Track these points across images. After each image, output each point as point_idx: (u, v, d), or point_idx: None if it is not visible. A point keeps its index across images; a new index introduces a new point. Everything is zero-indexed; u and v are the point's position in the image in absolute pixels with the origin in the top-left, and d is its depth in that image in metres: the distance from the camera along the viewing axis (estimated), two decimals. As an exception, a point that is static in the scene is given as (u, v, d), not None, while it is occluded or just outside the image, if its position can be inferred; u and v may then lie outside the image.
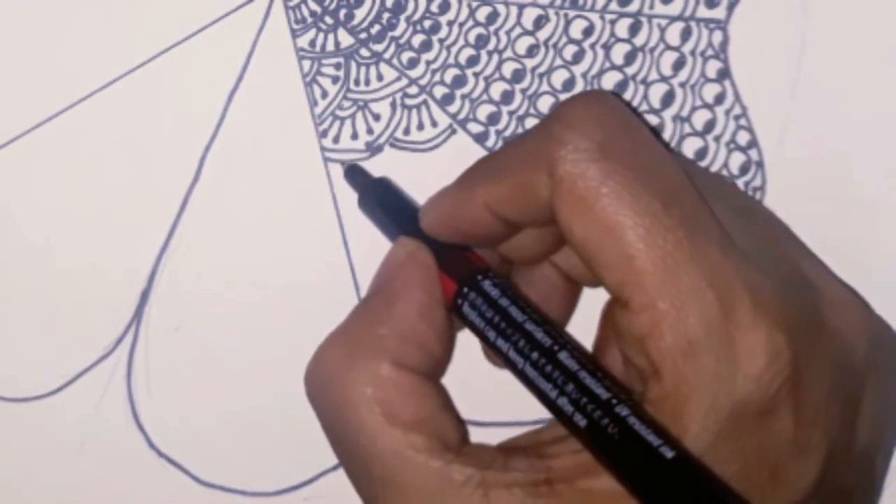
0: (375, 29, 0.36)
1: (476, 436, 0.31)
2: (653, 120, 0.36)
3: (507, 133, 0.37)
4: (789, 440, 0.27)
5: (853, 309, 0.30)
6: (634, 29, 0.36)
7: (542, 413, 0.29)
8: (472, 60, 0.36)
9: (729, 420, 0.26)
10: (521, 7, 0.36)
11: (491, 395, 0.33)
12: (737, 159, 0.36)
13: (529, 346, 0.28)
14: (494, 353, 0.30)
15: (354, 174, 0.36)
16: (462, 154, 0.37)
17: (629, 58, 0.36)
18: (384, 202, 0.34)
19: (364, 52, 0.36)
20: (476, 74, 0.36)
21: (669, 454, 0.25)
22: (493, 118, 0.37)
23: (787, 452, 0.27)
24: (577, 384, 0.27)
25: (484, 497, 0.28)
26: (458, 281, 0.30)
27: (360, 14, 0.36)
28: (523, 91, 0.36)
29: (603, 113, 0.29)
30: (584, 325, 0.32)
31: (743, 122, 0.36)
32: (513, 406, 0.32)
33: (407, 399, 0.29)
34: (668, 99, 0.36)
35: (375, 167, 0.36)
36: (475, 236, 0.31)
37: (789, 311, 0.27)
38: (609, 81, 0.36)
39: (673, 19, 0.36)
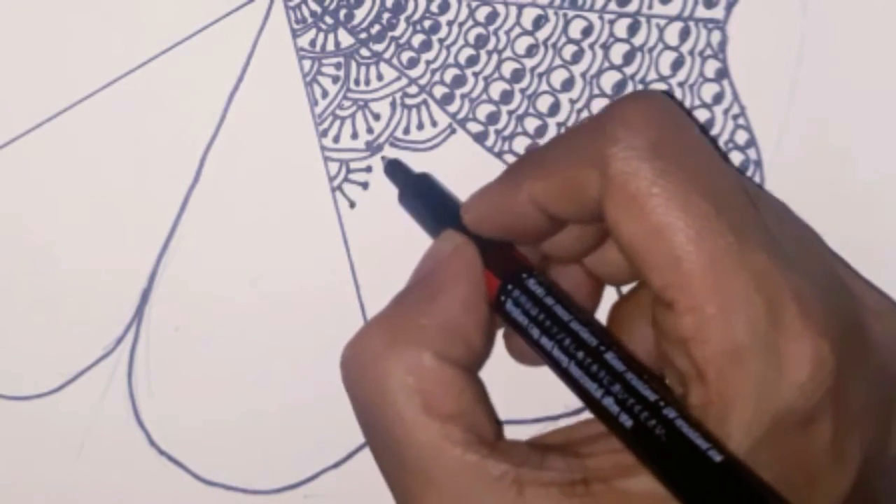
0: (375, 29, 0.36)
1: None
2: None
3: (507, 132, 0.37)
4: (827, 448, 0.27)
5: (892, 318, 0.30)
6: (633, 29, 0.36)
7: (547, 411, 0.29)
8: (472, 60, 0.36)
9: (771, 427, 0.26)
10: (521, 7, 0.36)
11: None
12: (735, 159, 0.36)
13: (575, 345, 0.28)
14: (537, 352, 0.30)
15: (395, 169, 0.35)
16: (462, 153, 0.37)
17: (628, 58, 0.36)
18: (425, 198, 0.34)
19: (364, 51, 0.36)
20: (475, 74, 0.36)
21: (718, 458, 0.25)
22: (493, 118, 0.37)
23: (824, 460, 0.27)
24: (623, 385, 0.27)
25: (519, 494, 0.27)
26: (502, 277, 0.30)
27: (360, 14, 0.36)
28: (522, 91, 0.36)
29: (656, 112, 0.29)
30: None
31: (741, 121, 0.36)
32: (513, 404, 0.32)
33: (446, 391, 0.29)
34: (666, 98, 0.36)
35: (375, 167, 0.36)
36: (519, 232, 0.31)
37: (834, 320, 0.27)
38: (608, 81, 0.36)
39: (671, 19, 0.36)
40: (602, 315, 0.33)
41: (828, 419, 0.27)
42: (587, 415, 0.30)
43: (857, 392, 0.27)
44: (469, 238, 0.31)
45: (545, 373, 0.32)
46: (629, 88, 0.36)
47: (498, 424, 0.30)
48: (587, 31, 0.36)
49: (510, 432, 0.30)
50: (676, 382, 0.28)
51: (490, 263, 0.31)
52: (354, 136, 0.37)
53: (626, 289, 0.34)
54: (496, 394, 0.31)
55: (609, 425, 0.28)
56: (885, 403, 0.29)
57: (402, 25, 0.36)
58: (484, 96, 0.37)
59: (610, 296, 0.34)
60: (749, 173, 0.36)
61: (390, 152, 0.37)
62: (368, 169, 0.37)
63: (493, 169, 0.36)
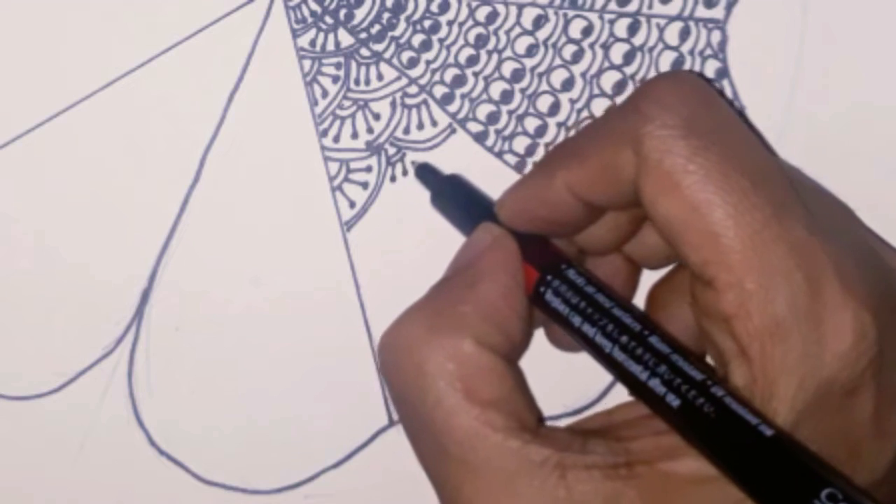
0: (375, 29, 0.36)
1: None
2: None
3: (507, 132, 0.37)
4: (869, 420, 0.27)
5: None
6: (633, 29, 0.36)
7: (547, 411, 0.29)
8: (472, 60, 0.36)
9: (815, 400, 0.26)
10: (521, 7, 0.36)
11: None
12: (735, 158, 0.36)
13: (618, 330, 0.28)
14: (577, 339, 0.30)
15: (426, 172, 0.36)
16: (462, 153, 0.37)
17: (628, 57, 0.36)
18: (458, 198, 0.34)
19: (364, 51, 0.36)
20: (476, 74, 0.36)
21: (769, 432, 0.25)
22: (493, 117, 0.37)
23: (866, 433, 0.27)
24: (669, 366, 0.27)
25: (561, 478, 0.27)
26: (541, 269, 0.30)
27: (360, 14, 0.36)
28: (522, 90, 0.36)
29: (689, 90, 0.29)
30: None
31: (741, 121, 0.36)
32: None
33: (487, 377, 0.28)
34: (667, 98, 0.36)
35: (375, 167, 0.36)
36: (556, 223, 0.31)
37: (873, 292, 0.27)
38: (608, 81, 0.36)
39: (671, 19, 0.36)
40: (639, 300, 0.33)
41: (870, 391, 0.27)
42: (589, 413, 0.30)
43: None
44: (506, 231, 0.31)
45: (545, 374, 0.32)
46: (629, 88, 0.36)
47: (537, 412, 0.30)
48: (587, 31, 0.36)
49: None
50: (717, 362, 0.28)
51: (528, 256, 0.31)
52: (354, 135, 0.37)
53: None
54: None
55: (654, 407, 0.28)
56: None
57: (402, 25, 0.36)
58: (484, 96, 0.37)
59: (646, 280, 0.34)
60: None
61: (390, 152, 0.37)
62: (368, 169, 0.37)
63: (493, 169, 0.36)
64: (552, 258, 0.31)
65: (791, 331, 0.26)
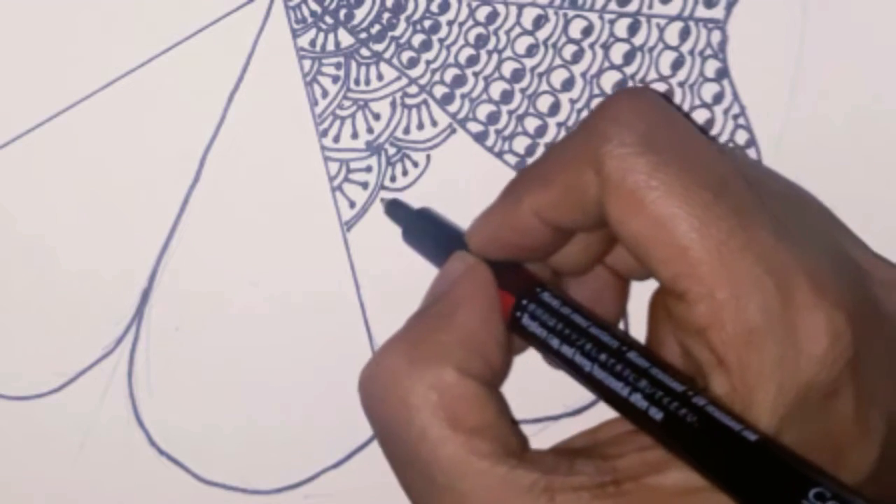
0: (375, 29, 0.36)
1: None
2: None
3: (507, 132, 0.37)
4: (851, 420, 0.27)
5: None
6: (633, 29, 0.36)
7: (547, 411, 0.29)
8: (472, 60, 0.36)
9: (795, 404, 0.26)
10: (521, 7, 0.36)
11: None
12: (735, 158, 0.36)
13: (597, 348, 0.28)
14: (557, 362, 0.30)
15: (396, 209, 0.36)
16: (462, 153, 0.37)
17: (628, 57, 0.36)
18: (429, 231, 0.34)
19: (364, 51, 0.36)
20: (476, 74, 0.36)
21: (753, 437, 0.25)
22: (493, 117, 0.37)
23: (849, 434, 0.27)
24: (650, 380, 0.27)
25: (550, 501, 0.27)
26: (517, 294, 0.30)
27: (360, 14, 0.36)
28: (523, 90, 0.36)
29: (644, 106, 0.29)
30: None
31: (741, 121, 0.36)
32: (513, 405, 0.32)
33: (470, 405, 0.29)
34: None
35: (375, 167, 0.36)
36: (525, 249, 0.31)
37: (846, 292, 0.27)
38: (608, 81, 0.36)
39: (672, 19, 0.36)
40: (639, 308, 0.33)
41: (849, 391, 0.27)
42: (590, 413, 0.30)
43: (875, 363, 0.27)
44: (479, 259, 0.31)
45: (545, 374, 0.32)
46: (629, 88, 0.36)
47: (522, 437, 0.30)
48: (587, 31, 0.36)
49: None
50: (697, 374, 0.28)
51: (502, 282, 0.31)
52: (354, 135, 0.37)
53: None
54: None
55: (637, 422, 0.28)
56: None
57: (402, 25, 0.36)
58: (484, 96, 0.37)
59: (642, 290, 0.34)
60: (749, 173, 0.36)
61: (390, 152, 0.37)
62: (368, 169, 0.37)
63: (493, 169, 0.36)
64: (526, 283, 0.31)
65: (765, 337, 0.26)
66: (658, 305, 0.31)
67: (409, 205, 0.36)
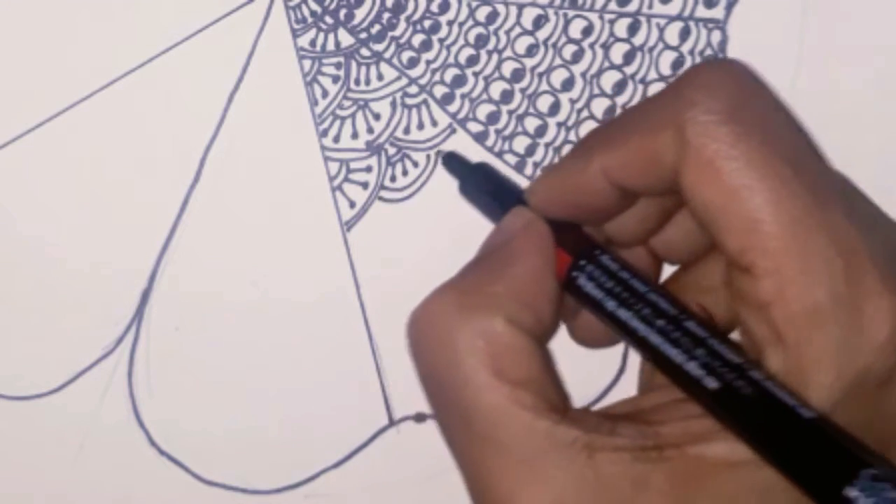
0: (375, 29, 0.36)
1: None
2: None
3: (507, 132, 0.37)
4: None
5: None
6: (633, 28, 0.36)
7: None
8: (472, 60, 0.36)
9: (850, 389, 0.26)
10: (521, 7, 0.36)
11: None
12: (735, 158, 0.36)
13: (654, 314, 0.28)
14: (610, 324, 0.30)
15: (453, 161, 0.35)
16: (462, 153, 0.37)
17: (628, 57, 0.36)
18: (487, 186, 0.34)
19: (364, 51, 0.36)
20: (476, 74, 0.36)
21: (808, 415, 0.25)
22: (493, 117, 0.37)
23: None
24: (706, 349, 0.27)
25: (589, 459, 0.27)
26: (574, 254, 0.30)
27: (360, 14, 0.36)
28: (523, 90, 0.36)
29: (732, 77, 0.29)
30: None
31: (741, 121, 0.36)
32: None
33: (517, 357, 0.28)
34: (667, 98, 0.36)
35: (375, 167, 0.36)
36: (588, 209, 0.31)
37: None
38: (608, 81, 0.36)
39: (672, 19, 0.36)
40: None
41: None
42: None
43: None
44: (538, 216, 0.31)
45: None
46: (629, 88, 0.36)
47: (565, 394, 0.29)
48: (587, 31, 0.36)
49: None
50: (751, 351, 0.28)
51: (560, 241, 0.31)
52: (355, 135, 0.37)
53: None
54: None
55: (689, 390, 0.28)
56: None
57: (402, 25, 0.36)
58: (484, 96, 0.37)
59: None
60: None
61: (390, 152, 0.37)
62: (368, 169, 0.37)
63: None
64: (584, 244, 0.31)
65: (829, 318, 0.26)
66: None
67: (466, 157, 0.36)
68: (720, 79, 0.28)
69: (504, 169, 0.37)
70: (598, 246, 0.31)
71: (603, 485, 0.27)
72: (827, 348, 0.26)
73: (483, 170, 0.35)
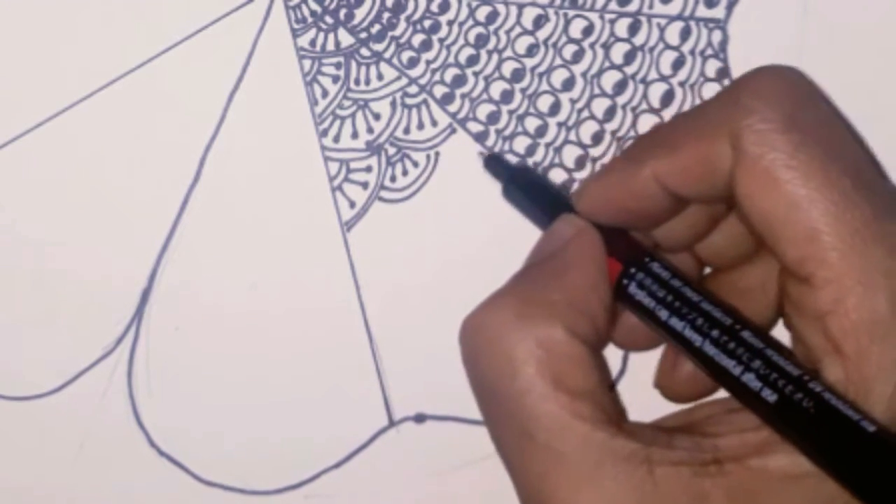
0: (375, 28, 0.36)
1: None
2: (652, 119, 0.36)
3: (507, 132, 0.37)
4: None
5: None
6: (634, 28, 0.36)
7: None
8: (472, 60, 0.36)
9: None
10: (521, 7, 0.36)
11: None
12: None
13: (709, 324, 0.28)
14: (661, 333, 0.29)
15: (495, 164, 0.35)
16: (462, 153, 0.37)
17: (629, 57, 0.36)
18: (531, 189, 0.34)
19: (364, 51, 0.36)
20: (476, 74, 0.36)
21: (871, 428, 0.25)
22: (493, 117, 0.37)
23: None
24: (764, 360, 0.27)
25: (649, 474, 0.27)
26: (624, 261, 0.30)
27: (360, 14, 0.36)
28: (523, 90, 0.36)
29: (790, 85, 0.29)
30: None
31: (742, 121, 0.36)
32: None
33: (576, 367, 0.28)
34: (667, 98, 0.36)
35: (375, 167, 0.36)
36: (637, 215, 0.31)
37: None
38: (609, 81, 0.36)
39: (672, 19, 0.36)
40: None
41: None
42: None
43: None
44: (589, 223, 0.31)
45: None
46: (630, 88, 0.36)
47: (621, 406, 0.30)
48: (588, 31, 0.36)
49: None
50: (806, 362, 0.28)
51: (609, 248, 0.31)
52: (355, 135, 0.37)
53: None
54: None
55: (747, 402, 0.27)
56: None
57: (402, 25, 0.36)
58: (484, 96, 0.37)
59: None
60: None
61: (390, 152, 0.37)
62: (368, 169, 0.37)
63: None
64: (634, 251, 0.31)
65: (890, 329, 0.26)
66: (754, 284, 0.31)
67: (508, 160, 0.36)
68: (777, 86, 0.28)
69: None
70: (649, 252, 0.30)
71: (662, 499, 0.27)
72: (888, 360, 0.26)
73: (526, 173, 0.35)
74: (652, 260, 0.30)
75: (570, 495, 0.27)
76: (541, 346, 0.28)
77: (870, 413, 0.26)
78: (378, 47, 0.36)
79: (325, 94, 0.37)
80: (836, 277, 0.27)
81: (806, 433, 0.26)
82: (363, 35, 0.36)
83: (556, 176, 0.36)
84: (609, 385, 0.29)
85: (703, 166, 0.29)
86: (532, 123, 0.37)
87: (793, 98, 0.28)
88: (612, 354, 0.36)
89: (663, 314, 0.29)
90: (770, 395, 0.27)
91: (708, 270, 0.34)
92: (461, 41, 0.36)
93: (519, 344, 0.28)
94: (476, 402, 0.30)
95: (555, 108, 0.36)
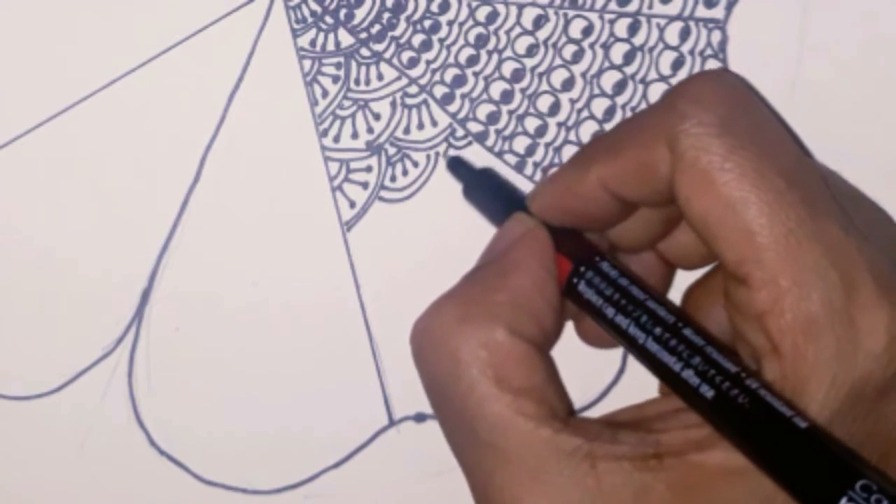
0: (376, 29, 0.36)
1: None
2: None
3: (507, 132, 0.37)
4: None
5: None
6: (633, 28, 0.36)
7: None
8: (472, 60, 0.36)
9: (847, 400, 0.26)
10: (521, 7, 0.36)
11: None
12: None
13: (652, 321, 0.29)
14: (609, 330, 0.30)
15: (457, 165, 0.36)
16: (462, 153, 0.37)
17: (628, 57, 0.36)
18: (490, 191, 0.34)
19: (364, 51, 0.36)
20: (476, 74, 0.36)
21: (803, 424, 0.25)
22: (493, 117, 0.37)
23: None
24: (703, 357, 0.27)
25: (591, 468, 0.27)
26: (574, 261, 0.31)
27: (360, 14, 0.36)
28: (523, 90, 0.36)
29: (725, 89, 0.29)
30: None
31: (742, 121, 0.36)
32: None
33: (519, 366, 0.29)
34: (667, 98, 0.36)
35: (375, 167, 0.36)
36: (587, 217, 0.31)
37: None
38: (608, 81, 0.36)
39: (672, 19, 0.36)
40: (675, 300, 0.33)
41: None
42: (585, 415, 0.29)
43: None
44: (539, 222, 0.32)
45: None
46: (629, 88, 0.36)
47: (568, 402, 0.30)
48: (587, 31, 0.36)
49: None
50: (749, 360, 0.28)
51: (561, 248, 0.31)
52: (355, 135, 0.37)
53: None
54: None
55: (686, 398, 0.28)
56: None
57: (402, 25, 0.36)
58: (484, 96, 0.37)
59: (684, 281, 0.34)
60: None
61: (390, 152, 0.37)
62: (368, 169, 0.37)
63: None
64: (585, 250, 0.31)
65: (824, 329, 0.26)
66: (702, 296, 0.32)
67: (471, 162, 0.36)
68: (712, 90, 0.29)
69: (504, 169, 0.37)
70: (599, 252, 0.31)
71: (604, 493, 0.27)
72: (822, 359, 0.26)
73: (487, 175, 0.35)
74: (601, 259, 0.30)
75: (516, 492, 0.28)
76: (483, 346, 0.29)
77: (804, 411, 0.26)
78: (378, 47, 0.36)
79: (325, 94, 0.37)
80: (772, 278, 0.27)
81: (741, 429, 0.27)
82: (363, 35, 0.36)
83: (556, 176, 0.36)
84: (556, 381, 0.30)
85: (643, 170, 0.29)
86: (532, 123, 0.37)
87: (728, 102, 0.28)
88: (613, 354, 0.36)
89: (609, 311, 0.29)
90: (708, 391, 0.27)
91: (702, 273, 0.34)
92: (461, 41, 0.36)
93: (462, 346, 0.29)
94: (430, 403, 0.30)
95: (555, 108, 0.36)
